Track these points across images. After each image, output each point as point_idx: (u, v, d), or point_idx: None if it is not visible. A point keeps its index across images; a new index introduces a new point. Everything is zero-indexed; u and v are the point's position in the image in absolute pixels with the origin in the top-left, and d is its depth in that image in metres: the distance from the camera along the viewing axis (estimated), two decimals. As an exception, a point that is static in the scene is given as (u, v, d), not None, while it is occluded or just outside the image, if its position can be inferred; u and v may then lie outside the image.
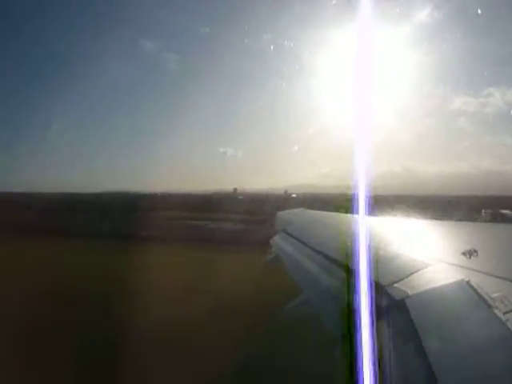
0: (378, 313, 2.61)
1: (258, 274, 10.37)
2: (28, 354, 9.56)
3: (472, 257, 3.23)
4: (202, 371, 8.83)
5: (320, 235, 6.48)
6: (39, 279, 16.31)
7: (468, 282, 2.54)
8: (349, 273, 3.31)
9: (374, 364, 2.23)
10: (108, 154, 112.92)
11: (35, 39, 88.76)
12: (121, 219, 36.47)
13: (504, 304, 2.21)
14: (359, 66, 4.20)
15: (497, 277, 2.77)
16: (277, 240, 7.60)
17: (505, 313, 2.12)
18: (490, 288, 2.42)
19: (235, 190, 66.47)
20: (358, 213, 3.74)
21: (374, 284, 2.88)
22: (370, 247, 3.41)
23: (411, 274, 3.06)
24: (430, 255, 3.55)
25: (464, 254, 3.27)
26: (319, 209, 10.90)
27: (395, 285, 2.91)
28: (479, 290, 2.39)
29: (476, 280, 2.55)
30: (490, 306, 2.20)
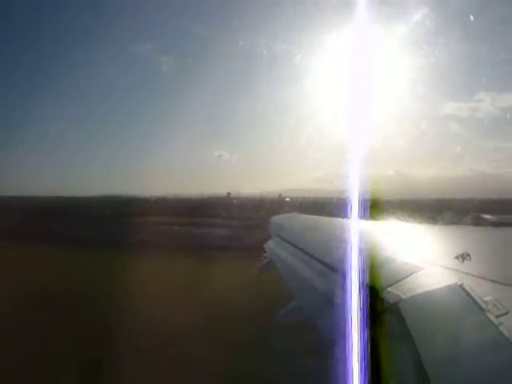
0: (372, 316, 2.61)
1: (252, 280, 10.28)
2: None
3: (465, 260, 3.24)
4: (193, 379, 8.72)
5: (313, 240, 6.47)
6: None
7: (461, 286, 2.55)
8: (342, 277, 3.30)
9: (367, 368, 2.22)
10: (102, 158, 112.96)
11: (27, 44, 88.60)
12: (110, 224, 35.69)
13: (497, 307, 2.22)
14: (353, 71, 4.25)
15: (490, 280, 2.79)
16: (270, 245, 7.60)
17: (497, 316, 2.13)
18: (483, 291, 2.44)
19: (229, 194, 66.57)
20: (351, 217, 3.75)
21: (367, 288, 2.88)
22: (363, 251, 3.41)
23: (404, 277, 3.06)
24: (423, 259, 3.56)
25: (457, 257, 3.29)
26: (313, 213, 10.92)
27: (389, 288, 2.90)
28: (472, 294, 2.40)
29: (469, 283, 2.56)
30: (482, 310, 2.22)
